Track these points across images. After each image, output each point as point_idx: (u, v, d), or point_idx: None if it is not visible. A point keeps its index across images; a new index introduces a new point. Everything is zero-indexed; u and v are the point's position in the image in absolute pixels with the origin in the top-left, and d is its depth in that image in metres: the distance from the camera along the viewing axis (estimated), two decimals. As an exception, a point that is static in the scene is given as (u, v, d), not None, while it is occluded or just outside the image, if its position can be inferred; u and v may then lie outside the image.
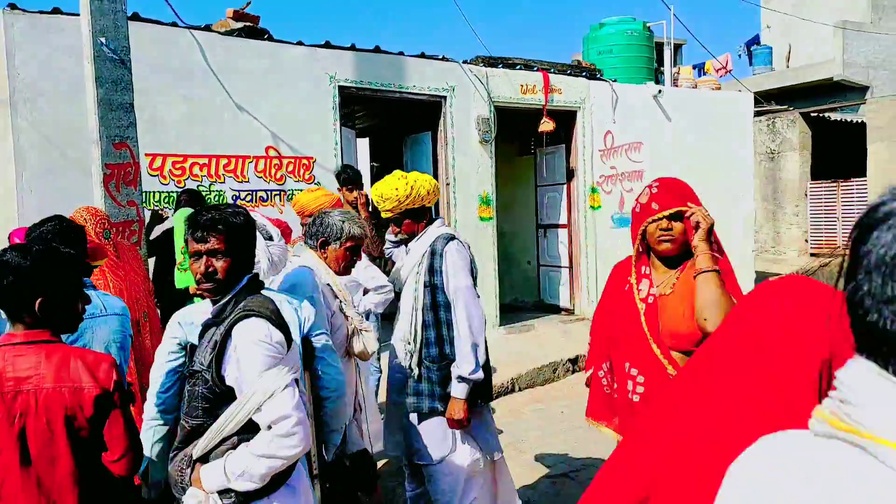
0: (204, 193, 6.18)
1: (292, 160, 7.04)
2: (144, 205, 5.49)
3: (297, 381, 2.17)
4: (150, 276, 5.35)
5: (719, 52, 18.75)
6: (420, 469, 3.64)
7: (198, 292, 5.24)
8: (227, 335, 2.16)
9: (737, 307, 1.29)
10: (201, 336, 2.28)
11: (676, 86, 11.27)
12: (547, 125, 9.00)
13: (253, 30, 6.89)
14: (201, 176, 6.50)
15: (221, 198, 6.58)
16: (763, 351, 1.14)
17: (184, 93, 6.42)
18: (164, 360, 2.69)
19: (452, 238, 3.64)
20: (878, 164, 14.34)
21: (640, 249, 2.74)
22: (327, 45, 7.32)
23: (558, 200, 10.14)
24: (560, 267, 10.24)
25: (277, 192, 6.96)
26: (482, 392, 3.56)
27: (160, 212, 6.06)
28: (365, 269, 4.57)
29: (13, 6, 5.74)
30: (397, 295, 4.12)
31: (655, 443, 1.27)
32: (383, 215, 3.70)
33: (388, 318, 4.75)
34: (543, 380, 7.47)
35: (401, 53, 7.90)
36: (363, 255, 4.73)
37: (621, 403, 2.72)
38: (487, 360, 3.53)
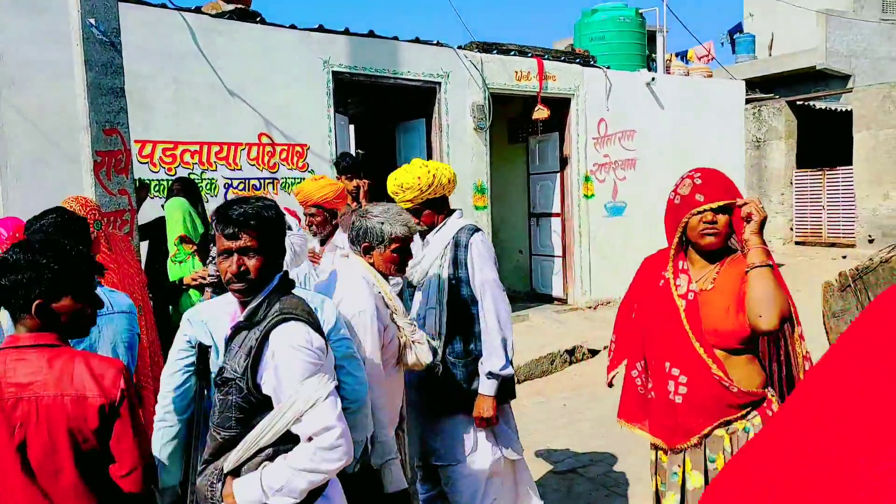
0: (196, 182, 5.97)
1: (285, 147, 6.85)
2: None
3: (336, 388, 2.02)
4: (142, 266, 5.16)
5: (702, 39, 18.67)
6: (436, 470, 3.51)
7: (190, 283, 5.12)
8: (263, 340, 2.00)
9: (864, 316, 1.16)
10: (230, 339, 2.12)
11: (669, 73, 11.18)
12: (542, 112, 8.86)
13: (244, 12, 6.67)
14: (192, 164, 6.29)
15: (214, 187, 6.38)
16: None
17: (173, 77, 6.20)
18: (174, 357, 2.53)
19: (477, 229, 3.54)
20: (863, 152, 14.37)
21: (679, 243, 2.61)
22: (321, 29, 7.12)
23: (551, 189, 10.02)
24: (553, 256, 10.13)
25: (270, 181, 6.77)
26: (508, 389, 3.44)
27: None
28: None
29: (-6, -15, 5.49)
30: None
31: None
32: (401, 206, 3.56)
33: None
34: (541, 371, 7.37)
35: (395, 38, 7.71)
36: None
37: (660, 404, 2.60)
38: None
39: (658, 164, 10.29)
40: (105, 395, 2.00)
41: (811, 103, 16.59)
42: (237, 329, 2.11)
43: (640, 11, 11.09)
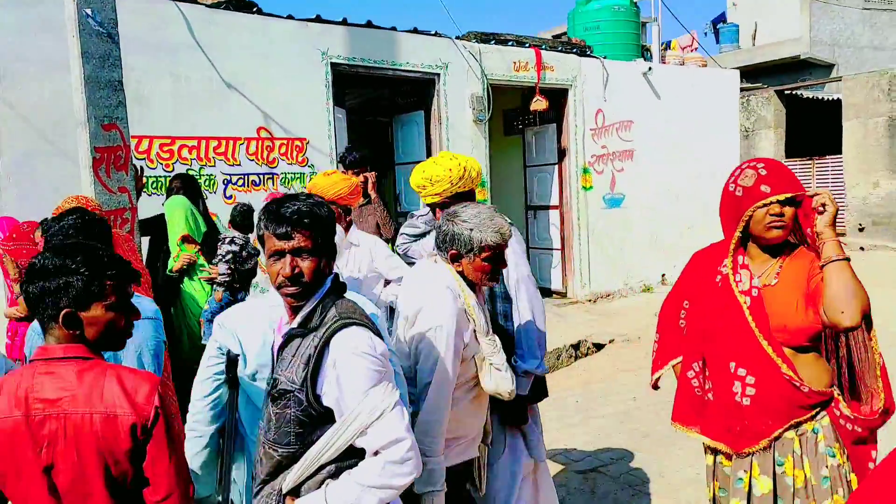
0: (195, 178, 5.76)
1: (285, 142, 6.65)
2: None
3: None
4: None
5: (684, 31, 18.68)
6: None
7: (180, 269, 4.91)
8: (323, 348, 1.85)
9: None
10: (282, 348, 1.95)
11: (664, 63, 11.08)
12: (540, 103, 8.72)
13: (241, 2, 6.46)
14: (190, 159, 6.08)
15: (212, 182, 6.17)
16: None
17: (169, 70, 5.98)
18: (205, 365, 2.37)
19: (511, 224, 3.42)
20: (853, 141, 14.39)
21: (740, 237, 2.48)
22: (318, 20, 6.92)
23: (549, 181, 9.89)
24: (551, 249, 10.01)
25: (270, 176, 6.57)
26: (540, 388, 3.31)
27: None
28: (386, 259, 4.27)
29: (-18, -26, 5.24)
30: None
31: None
32: (426, 200, 3.40)
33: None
34: (548, 367, 7.24)
35: (393, 29, 7.53)
36: (383, 244, 4.42)
37: (723, 407, 2.47)
38: None
39: (655, 155, 10.21)
40: (137, 414, 1.82)
41: (799, 92, 16.60)
42: (290, 336, 1.94)
43: (635, 0, 10.98)
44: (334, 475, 1.84)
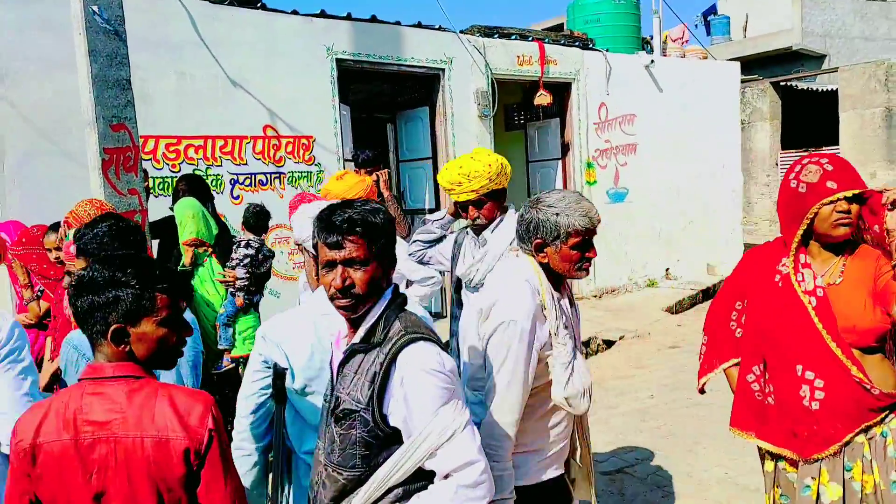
0: (203, 178, 5.63)
1: (291, 140, 6.52)
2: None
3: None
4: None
5: (675, 22, 18.63)
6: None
7: (192, 262, 4.77)
8: (390, 365, 1.74)
9: None
10: (343, 364, 1.84)
11: (665, 55, 11.01)
12: (544, 98, 8.63)
13: (244, -3, 6.33)
14: (197, 159, 5.94)
15: (220, 183, 6.04)
16: None
17: (174, 68, 5.84)
18: (250, 379, 2.26)
19: None
20: (850, 131, 14.41)
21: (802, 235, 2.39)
22: (323, 15, 6.79)
23: (552, 176, 9.80)
24: (555, 245, 9.91)
25: (277, 175, 6.44)
26: None
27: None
28: (407, 260, 4.16)
29: (-19, -29, 5.09)
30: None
31: None
32: (460, 198, 3.29)
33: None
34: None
35: (398, 23, 7.41)
36: (404, 244, 4.30)
37: (789, 411, 2.38)
38: None
39: (658, 148, 10.14)
40: (190, 438, 1.71)
41: (793, 84, 16.60)
42: (352, 352, 1.83)
43: (635, -7, 10.89)
44: (402, 499, 1.74)
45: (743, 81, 16.69)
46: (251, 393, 2.24)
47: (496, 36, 8.45)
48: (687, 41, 16.28)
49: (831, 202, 2.26)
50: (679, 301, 9.42)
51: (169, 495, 1.72)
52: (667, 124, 10.21)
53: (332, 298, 1.83)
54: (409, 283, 4.23)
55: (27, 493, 1.75)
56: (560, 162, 9.61)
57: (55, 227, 4.35)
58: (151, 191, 5.65)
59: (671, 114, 10.25)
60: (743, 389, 2.56)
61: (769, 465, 2.54)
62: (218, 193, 5.97)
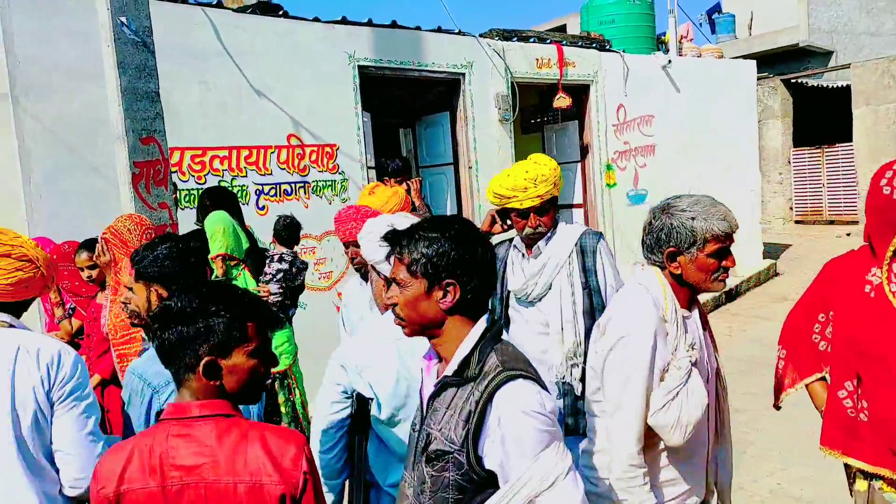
0: (229, 190, 5.53)
1: (315, 149, 6.42)
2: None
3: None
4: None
5: (682, 21, 18.51)
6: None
7: (224, 274, 4.66)
8: (486, 403, 1.62)
9: None
10: (433, 398, 1.74)
11: (681, 55, 10.91)
12: (563, 100, 8.53)
13: (266, 6, 6.22)
14: (222, 170, 5.84)
15: (245, 194, 5.93)
16: None
17: (197, 78, 5.73)
18: (328, 411, 2.14)
19: (600, 234, 3.28)
20: (863, 128, 14.30)
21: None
22: (344, 21, 6.69)
23: (571, 179, 9.69)
24: (576, 248, 9.82)
25: (301, 185, 6.34)
26: None
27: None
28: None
29: (5, -17, 4.98)
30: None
31: None
32: (524, 205, 3.15)
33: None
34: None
35: (418, 28, 7.31)
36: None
37: (888, 428, 2.27)
38: None
39: (676, 149, 10.04)
40: (285, 482, 1.60)
41: (804, 81, 16.49)
42: (444, 385, 1.73)
43: (649, -7, 10.80)
44: None
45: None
46: (328, 427, 2.12)
47: (514, 39, 8.35)
48: (692, 39, 16.18)
49: (931, 209, 2.15)
50: (702, 303, 9.30)
51: None
52: (684, 124, 10.11)
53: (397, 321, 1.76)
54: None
55: None
56: (579, 164, 9.51)
57: (87, 245, 4.25)
58: (178, 203, 5.55)
59: (689, 114, 10.15)
60: (834, 406, 2.44)
61: (861, 484, 2.43)
62: (244, 204, 5.86)
